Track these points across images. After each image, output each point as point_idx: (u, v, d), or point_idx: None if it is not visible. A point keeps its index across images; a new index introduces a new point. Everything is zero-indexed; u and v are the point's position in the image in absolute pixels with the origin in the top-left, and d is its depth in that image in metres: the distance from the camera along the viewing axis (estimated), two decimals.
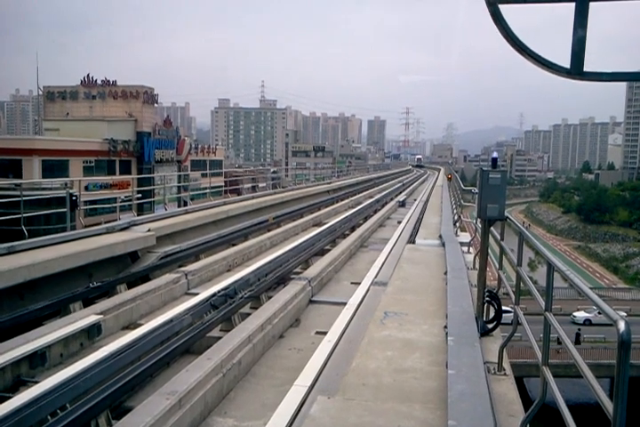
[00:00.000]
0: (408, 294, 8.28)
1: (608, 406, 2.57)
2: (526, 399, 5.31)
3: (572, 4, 2.60)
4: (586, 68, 2.67)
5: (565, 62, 2.69)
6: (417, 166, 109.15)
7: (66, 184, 16.61)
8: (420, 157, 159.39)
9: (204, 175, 34.25)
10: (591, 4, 2.56)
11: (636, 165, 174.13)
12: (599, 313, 42.12)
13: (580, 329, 43.72)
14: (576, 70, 2.65)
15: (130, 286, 9.34)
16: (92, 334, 7.16)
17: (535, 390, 31.35)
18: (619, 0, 2.58)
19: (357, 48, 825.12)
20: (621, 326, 2.50)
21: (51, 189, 24.58)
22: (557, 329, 3.67)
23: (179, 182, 28.57)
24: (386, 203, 27.46)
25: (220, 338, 6.51)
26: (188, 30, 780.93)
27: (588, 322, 47.35)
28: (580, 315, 48.88)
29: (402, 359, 5.56)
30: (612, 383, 2.55)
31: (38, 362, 6.19)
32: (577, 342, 40.11)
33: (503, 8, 2.74)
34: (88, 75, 48.06)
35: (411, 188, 43.62)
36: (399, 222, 19.09)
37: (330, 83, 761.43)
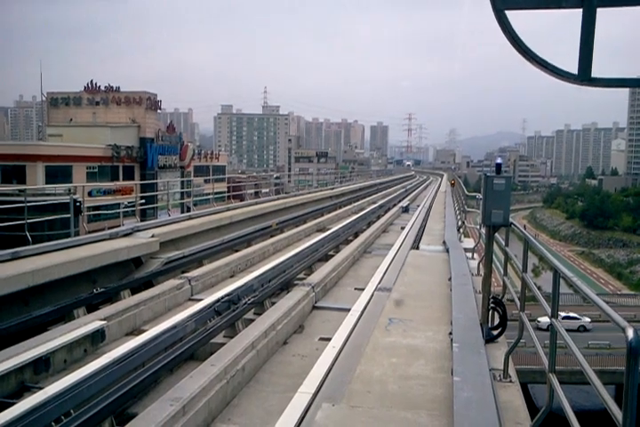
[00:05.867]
0: (412, 301, 8.25)
1: (617, 413, 2.55)
2: (531, 406, 5.28)
3: (580, 10, 2.59)
4: (593, 74, 2.66)
5: (573, 68, 2.68)
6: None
7: (69, 190, 16.65)
8: (409, 163, 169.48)
9: (207, 181, 34.26)
10: (598, 9, 2.55)
11: None
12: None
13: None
14: (584, 76, 2.64)
15: (133, 292, 9.33)
16: (96, 340, 7.14)
17: (540, 397, 31.23)
18: (626, 6, 2.57)
19: (360, 54, 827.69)
20: (630, 333, 2.47)
21: (54, 194, 24.58)
22: (564, 336, 3.65)
23: (182, 188, 28.57)
24: (389, 209, 27.43)
25: (223, 344, 6.50)
26: (191, 37, 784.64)
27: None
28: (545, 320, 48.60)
29: (407, 366, 5.53)
30: (617, 390, 2.53)
31: (42, 368, 6.18)
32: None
33: (509, 14, 2.74)
34: (91, 81, 48.27)
35: (414, 193, 43.59)
36: (403, 228, 19.04)
37: (332, 88, 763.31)
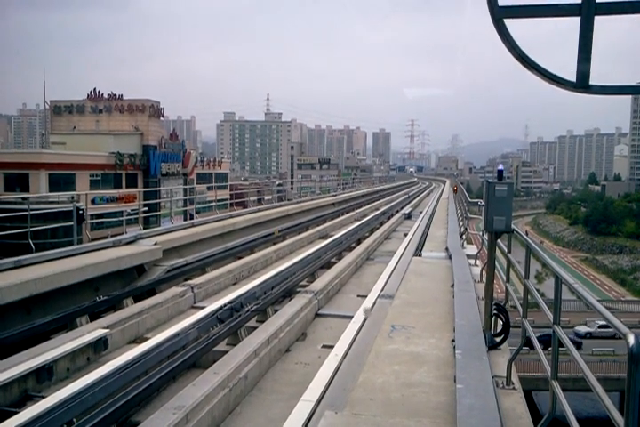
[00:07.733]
0: (415, 308, 8.23)
1: (619, 420, 2.55)
2: (535, 413, 5.26)
3: (578, 18, 2.61)
4: (591, 82, 2.67)
5: (571, 75, 2.69)
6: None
7: (72, 198, 16.66)
8: (412, 169, 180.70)
9: (209, 188, 34.34)
10: (596, 17, 2.56)
11: None
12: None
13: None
14: (582, 84, 2.65)
15: (136, 300, 9.34)
16: (99, 349, 7.15)
17: (544, 404, 31.05)
18: (624, 14, 2.59)
19: (362, 61, 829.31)
20: (631, 339, 2.47)
21: (57, 202, 24.66)
22: (566, 343, 3.64)
23: (185, 195, 28.64)
24: (392, 215, 27.42)
25: (226, 352, 6.49)
26: (193, 44, 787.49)
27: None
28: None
29: (410, 373, 5.51)
30: (622, 397, 2.53)
31: (45, 376, 6.18)
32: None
33: (508, 22, 2.75)
34: (94, 89, 48.47)
35: (416, 200, 43.58)
36: (405, 235, 19.03)
37: (335, 95, 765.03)
